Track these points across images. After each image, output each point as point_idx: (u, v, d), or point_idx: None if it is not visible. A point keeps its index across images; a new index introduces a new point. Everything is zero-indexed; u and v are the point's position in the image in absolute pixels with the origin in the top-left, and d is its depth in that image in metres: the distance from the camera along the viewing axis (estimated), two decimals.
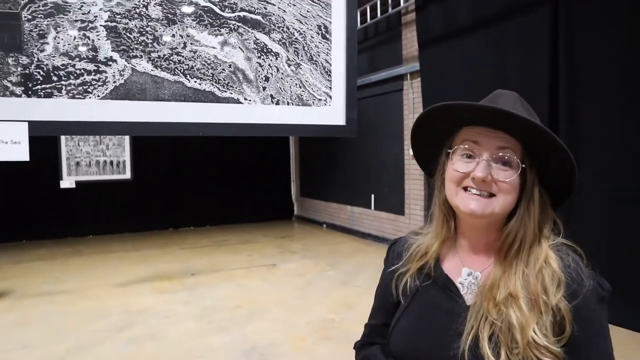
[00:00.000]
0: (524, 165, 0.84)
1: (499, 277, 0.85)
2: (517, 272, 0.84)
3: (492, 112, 0.83)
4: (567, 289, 0.81)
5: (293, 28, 1.92)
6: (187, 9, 1.79)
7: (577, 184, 0.87)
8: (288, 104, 1.92)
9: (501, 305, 0.82)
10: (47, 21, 1.61)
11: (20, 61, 1.60)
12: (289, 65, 1.93)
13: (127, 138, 7.41)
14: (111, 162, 7.42)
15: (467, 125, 0.88)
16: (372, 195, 6.97)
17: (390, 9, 6.12)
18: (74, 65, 1.64)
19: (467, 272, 0.91)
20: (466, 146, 0.86)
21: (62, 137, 6.91)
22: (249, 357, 3.03)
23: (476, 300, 0.86)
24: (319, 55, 1.98)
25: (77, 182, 6.70)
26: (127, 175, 7.53)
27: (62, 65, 1.63)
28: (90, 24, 1.65)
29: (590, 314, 0.81)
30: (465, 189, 0.85)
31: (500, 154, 0.84)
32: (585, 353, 0.80)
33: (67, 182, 6.73)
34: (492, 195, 0.84)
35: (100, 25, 1.66)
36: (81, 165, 7.19)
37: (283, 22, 1.91)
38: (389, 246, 1.08)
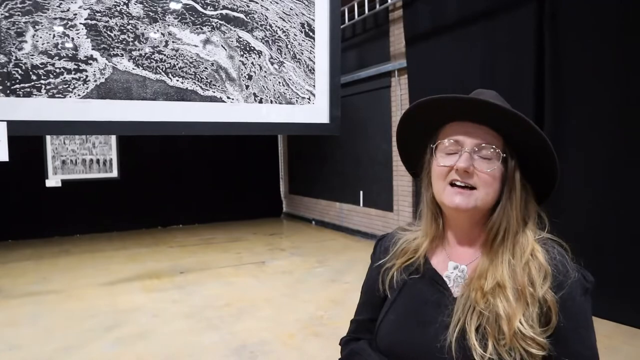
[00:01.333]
0: (504, 155, 0.86)
1: (486, 267, 0.87)
2: (504, 261, 0.86)
3: (471, 103, 0.86)
4: (553, 281, 0.83)
5: (276, 26, 1.91)
6: (169, 7, 1.77)
7: (558, 175, 0.89)
8: (271, 102, 1.91)
9: (489, 295, 0.83)
10: (25, 19, 1.58)
11: None
12: (272, 64, 1.92)
13: (113, 136, 7.32)
14: (98, 161, 7.34)
15: (449, 121, 0.91)
16: (361, 192, 6.99)
17: (377, 6, 6.12)
18: (53, 64, 1.62)
19: (453, 265, 0.93)
20: (450, 141, 0.89)
21: (47, 136, 6.82)
22: (238, 355, 3.03)
23: (463, 292, 0.87)
24: (302, 53, 1.97)
25: (63, 181, 6.59)
26: (114, 173, 7.44)
27: (42, 64, 1.61)
28: (69, 22, 1.63)
29: (575, 305, 0.83)
30: (452, 184, 0.87)
31: (483, 144, 0.86)
32: (570, 343, 0.82)
33: (52, 180, 6.63)
34: (473, 188, 0.86)
35: (80, 24, 1.64)
36: (67, 163, 7.10)
37: (266, 20, 1.90)
38: (376, 242, 1.09)
